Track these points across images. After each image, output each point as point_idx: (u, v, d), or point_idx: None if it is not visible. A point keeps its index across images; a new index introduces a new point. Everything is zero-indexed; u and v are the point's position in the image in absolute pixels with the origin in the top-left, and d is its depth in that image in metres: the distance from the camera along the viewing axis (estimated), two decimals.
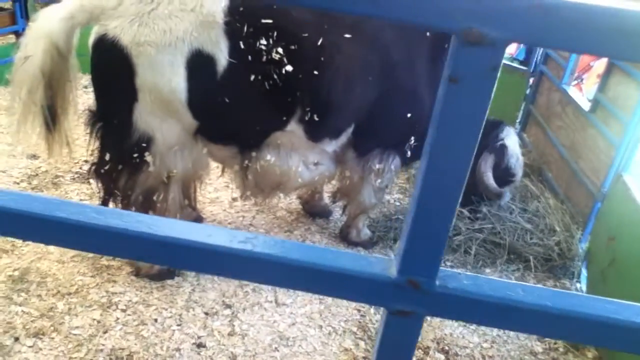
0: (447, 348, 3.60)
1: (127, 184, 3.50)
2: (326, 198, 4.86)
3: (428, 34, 3.82)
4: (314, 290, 0.72)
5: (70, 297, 3.54)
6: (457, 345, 3.63)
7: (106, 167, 3.48)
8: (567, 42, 0.54)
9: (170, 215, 3.81)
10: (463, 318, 0.70)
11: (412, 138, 3.95)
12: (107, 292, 3.62)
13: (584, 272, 4.41)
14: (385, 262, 0.69)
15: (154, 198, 3.60)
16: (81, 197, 4.52)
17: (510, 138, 4.49)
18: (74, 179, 4.74)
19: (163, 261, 0.72)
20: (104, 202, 3.73)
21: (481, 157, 4.40)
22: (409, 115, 3.77)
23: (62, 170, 4.82)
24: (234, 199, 4.77)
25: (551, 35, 0.54)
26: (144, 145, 3.34)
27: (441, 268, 0.69)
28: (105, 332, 3.33)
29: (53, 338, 3.24)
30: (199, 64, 3.19)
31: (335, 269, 0.68)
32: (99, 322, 3.40)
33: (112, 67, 3.21)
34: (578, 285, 4.40)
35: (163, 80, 3.17)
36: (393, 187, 5.28)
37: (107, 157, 3.44)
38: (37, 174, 4.70)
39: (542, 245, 4.47)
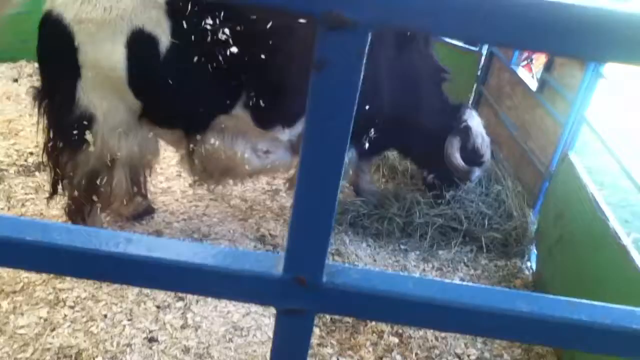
0: (400, 331, 3.64)
1: (67, 164, 3.50)
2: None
3: None
4: (200, 292, 0.69)
5: (15, 295, 3.43)
6: (411, 328, 3.67)
7: (50, 145, 3.49)
8: (431, 25, 0.51)
9: (116, 201, 3.74)
10: (354, 313, 0.69)
11: (371, 130, 3.93)
12: (54, 289, 3.53)
13: (534, 251, 4.51)
14: (271, 260, 0.67)
15: (97, 182, 3.54)
16: (26, 190, 4.37)
17: (473, 119, 4.51)
18: (18, 172, 4.58)
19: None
20: (53, 185, 3.72)
21: (446, 140, 4.40)
22: (366, 106, 3.73)
23: (5, 163, 4.64)
24: (190, 185, 4.70)
25: (421, 19, 0.52)
26: (85, 123, 3.33)
27: (330, 263, 0.67)
28: (52, 330, 3.25)
29: None
30: (140, 43, 3.19)
31: (220, 269, 0.65)
32: (45, 320, 3.31)
33: (56, 43, 3.24)
34: (528, 264, 4.50)
35: (103, 57, 3.19)
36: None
37: (51, 134, 3.46)
38: None
39: (500, 231, 4.53)
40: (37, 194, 4.36)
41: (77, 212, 3.75)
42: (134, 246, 0.64)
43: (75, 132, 3.33)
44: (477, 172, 4.57)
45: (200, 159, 3.69)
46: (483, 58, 6.23)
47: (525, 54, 6.37)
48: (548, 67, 4.88)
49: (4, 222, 0.63)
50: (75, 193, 3.61)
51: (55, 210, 4.15)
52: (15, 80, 6.13)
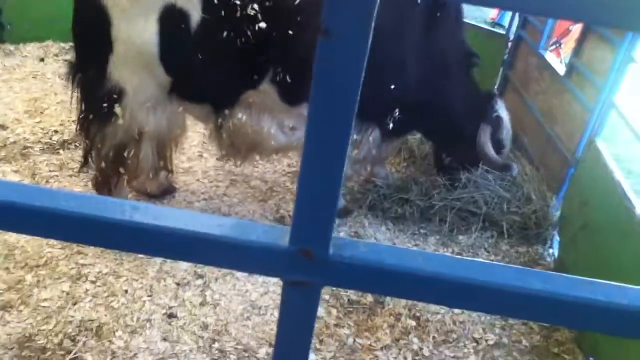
0: (418, 314, 3.63)
1: (96, 136, 3.58)
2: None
3: (419, 1, 3.76)
4: (205, 261, 0.69)
5: (39, 269, 3.51)
6: (429, 312, 3.66)
7: (81, 117, 3.60)
8: None
9: (142, 174, 3.81)
10: (361, 287, 0.68)
11: (396, 110, 3.89)
12: (77, 264, 3.59)
13: (557, 238, 4.44)
14: (278, 231, 0.66)
15: (125, 154, 3.63)
16: (50, 167, 4.44)
17: (503, 110, 4.46)
18: (43, 149, 4.65)
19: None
20: (85, 155, 3.82)
21: (479, 129, 4.35)
22: (392, 86, 3.70)
23: (30, 141, 4.72)
24: (217, 160, 4.73)
25: None
26: (115, 96, 3.41)
27: (338, 237, 0.65)
28: (74, 304, 3.31)
29: (21, 311, 3.21)
30: (171, 18, 3.24)
31: (227, 239, 0.64)
32: (68, 294, 3.37)
33: (90, 17, 3.31)
34: (550, 250, 4.43)
35: (136, 32, 3.25)
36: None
37: (83, 107, 3.56)
38: (5, 145, 4.60)
39: (519, 214, 4.46)
40: (61, 171, 4.42)
41: (104, 184, 3.83)
42: (141, 214, 0.64)
43: (105, 105, 3.41)
44: (516, 168, 4.51)
45: (228, 134, 3.74)
46: (510, 42, 6.10)
47: (554, 38, 6.23)
48: (577, 52, 4.76)
49: (13, 188, 0.63)
50: (103, 164, 3.70)
51: (79, 188, 4.22)
52: (42, 60, 6.21)
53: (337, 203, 0.62)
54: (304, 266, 0.64)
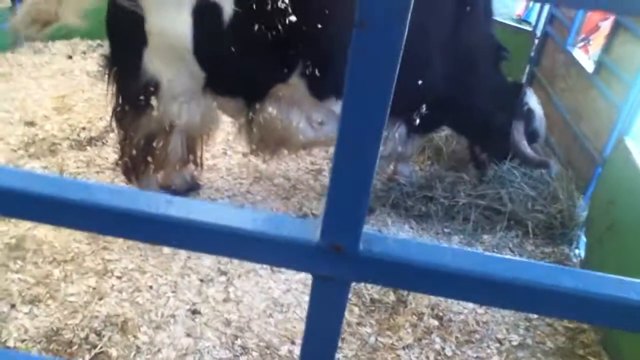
0: (441, 314, 3.61)
1: (130, 125, 3.66)
2: None
3: None
4: (237, 256, 0.69)
5: (66, 264, 3.56)
6: (452, 311, 3.63)
7: (118, 109, 3.67)
8: None
9: (169, 165, 3.87)
10: (390, 283, 0.68)
11: (422, 106, 3.88)
12: (103, 260, 3.64)
13: (583, 238, 4.37)
14: (308, 225, 0.66)
15: (154, 144, 3.69)
16: (78, 164, 4.52)
17: (533, 100, 4.42)
18: (71, 146, 4.73)
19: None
20: (122, 149, 3.87)
21: (512, 126, 4.31)
22: (419, 82, 3.68)
23: (59, 137, 4.80)
24: (244, 155, 4.77)
25: None
26: (151, 89, 3.47)
27: (368, 232, 0.65)
28: (100, 299, 3.36)
29: (49, 305, 3.27)
30: (205, 11, 3.28)
31: (258, 233, 0.64)
32: (94, 289, 3.42)
33: (124, 11, 3.32)
34: (577, 251, 4.37)
35: (170, 26, 3.29)
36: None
37: (120, 99, 3.63)
38: (34, 141, 4.69)
39: (544, 213, 4.40)
40: (89, 168, 4.49)
41: (132, 170, 3.91)
42: (175, 208, 0.64)
43: (141, 97, 3.48)
44: (554, 167, 4.46)
45: (258, 128, 3.77)
46: (537, 39, 6.02)
47: (583, 35, 6.12)
48: (606, 48, 4.68)
49: (48, 181, 0.64)
50: (134, 152, 3.77)
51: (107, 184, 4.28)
52: (70, 57, 6.31)
53: (369, 198, 0.62)
54: (334, 261, 0.64)
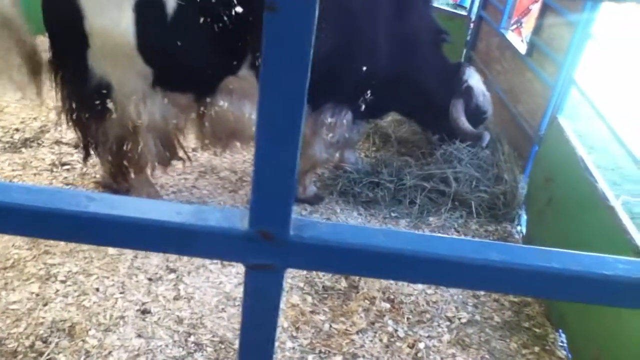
0: (392, 297, 3.67)
1: (97, 131, 3.56)
2: None
3: None
4: (165, 250, 0.68)
5: (6, 271, 3.43)
6: (402, 294, 3.70)
7: (74, 115, 3.54)
8: None
9: (146, 166, 3.80)
10: (324, 267, 0.68)
11: (368, 92, 3.91)
12: (45, 264, 3.52)
13: (524, 215, 4.53)
14: (236, 215, 0.65)
15: (124, 148, 3.60)
16: (13, 167, 4.33)
17: (473, 77, 4.51)
18: (5, 149, 4.53)
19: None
20: (85, 149, 3.79)
21: (450, 104, 4.40)
22: (364, 68, 3.72)
23: None
24: (194, 149, 4.67)
25: None
26: (104, 92, 3.36)
27: (298, 217, 0.66)
28: (45, 305, 3.25)
29: None
30: (147, 6, 3.17)
31: (185, 226, 0.64)
32: (37, 295, 3.31)
33: (61, 12, 3.20)
34: (518, 227, 4.52)
35: (111, 24, 3.16)
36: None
37: (74, 105, 3.50)
38: None
39: (488, 193, 4.53)
40: (25, 170, 4.32)
41: (119, 173, 3.86)
42: (97, 204, 0.63)
43: (97, 101, 3.37)
44: (487, 137, 4.57)
45: (210, 122, 3.71)
46: (472, 23, 6.16)
47: (515, 18, 6.31)
48: (537, 30, 4.83)
49: None
50: (109, 157, 3.69)
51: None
52: None
53: (295, 182, 0.62)
54: (264, 249, 0.64)
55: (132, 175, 3.87)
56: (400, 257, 0.65)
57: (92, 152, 3.83)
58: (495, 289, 0.70)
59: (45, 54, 3.53)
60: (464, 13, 6.40)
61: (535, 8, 6.70)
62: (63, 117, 3.65)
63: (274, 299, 0.68)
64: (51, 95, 3.66)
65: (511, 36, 5.46)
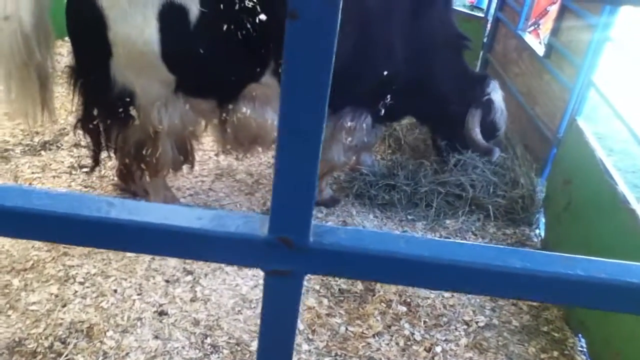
0: (408, 300, 3.65)
1: (118, 137, 3.59)
2: None
3: None
4: (185, 255, 0.68)
5: (26, 273, 3.47)
6: (419, 297, 3.68)
7: (94, 122, 3.55)
8: None
9: (163, 169, 3.84)
10: (343, 273, 0.68)
11: (388, 96, 3.91)
12: (64, 266, 3.56)
13: (542, 218, 4.48)
14: (257, 221, 0.65)
15: (143, 152, 3.62)
16: (33, 170, 4.39)
17: (496, 92, 4.46)
18: (24, 151, 4.59)
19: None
20: (95, 156, 3.81)
21: (468, 112, 4.36)
22: (385, 72, 3.71)
23: (11, 143, 4.66)
24: (216, 154, 4.70)
25: None
26: (127, 99, 3.37)
27: (318, 224, 0.65)
28: (63, 306, 3.28)
29: (9, 315, 3.18)
30: (171, 14, 3.17)
31: (205, 231, 0.64)
32: (56, 296, 3.34)
33: (85, 21, 3.21)
34: (537, 231, 4.48)
35: (136, 32, 3.16)
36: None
37: (95, 112, 3.50)
38: None
39: (506, 198, 4.49)
40: (44, 173, 4.38)
41: (128, 175, 3.92)
42: (117, 210, 0.63)
43: (120, 109, 3.38)
44: (497, 152, 4.52)
45: (232, 128, 3.73)
46: (489, 24, 6.12)
47: (533, 19, 6.25)
48: (555, 32, 4.79)
49: None
50: (126, 160, 3.74)
51: (63, 189, 4.17)
52: None
53: (315, 189, 0.62)
54: (284, 255, 0.64)
55: (147, 179, 3.90)
56: (421, 264, 0.64)
57: (101, 159, 3.87)
58: (518, 296, 0.69)
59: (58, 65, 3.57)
60: (481, 15, 6.37)
61: (553, 9, 6.64)
62: (77, 123, 3.66)
63: (292, 304, 0.68)
64: (70, 100, 3.70)
65: (529, 38, 5.41)
